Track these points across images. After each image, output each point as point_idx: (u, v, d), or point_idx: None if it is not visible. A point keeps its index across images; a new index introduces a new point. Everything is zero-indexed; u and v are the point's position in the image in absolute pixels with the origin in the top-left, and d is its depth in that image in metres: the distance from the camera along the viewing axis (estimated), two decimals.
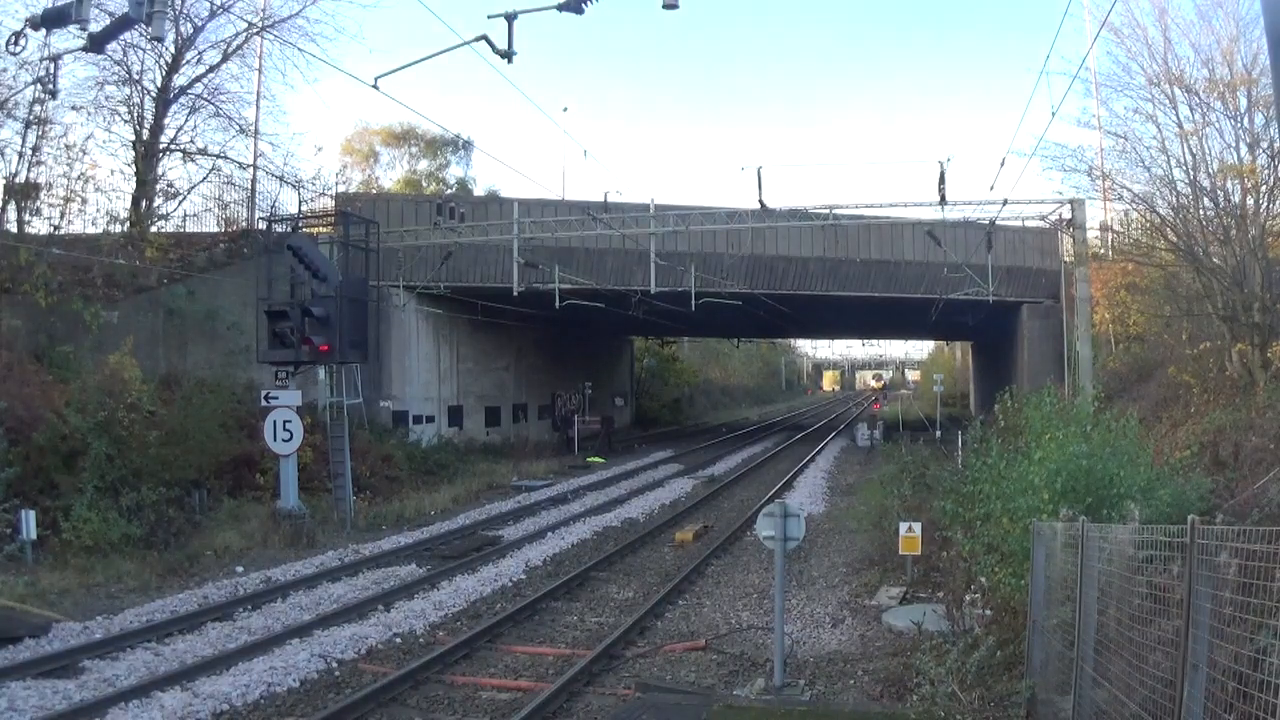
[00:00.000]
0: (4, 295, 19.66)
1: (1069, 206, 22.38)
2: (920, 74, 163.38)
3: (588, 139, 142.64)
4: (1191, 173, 18.89)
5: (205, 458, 17.83)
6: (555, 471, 27.96)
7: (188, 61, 26.27)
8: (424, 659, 9.78)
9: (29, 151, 21.62)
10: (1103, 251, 26.80)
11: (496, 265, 27.85)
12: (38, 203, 22.26)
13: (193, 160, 27.15)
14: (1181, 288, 20.22)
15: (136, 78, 25.28)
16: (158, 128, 25.86)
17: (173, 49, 25.41)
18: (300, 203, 28.54)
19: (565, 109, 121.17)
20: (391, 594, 12.70)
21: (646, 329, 45.44)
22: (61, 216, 22.60)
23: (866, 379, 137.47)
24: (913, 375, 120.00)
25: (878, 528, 15.98)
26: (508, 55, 11.91)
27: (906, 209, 29.29)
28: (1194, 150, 18.78)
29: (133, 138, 25.43)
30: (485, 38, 12.06)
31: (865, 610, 11.92)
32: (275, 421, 16.90)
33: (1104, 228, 27.20)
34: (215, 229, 27.04)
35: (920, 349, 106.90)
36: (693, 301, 28.08)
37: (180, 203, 26.85)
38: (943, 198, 21.23)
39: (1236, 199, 18.36)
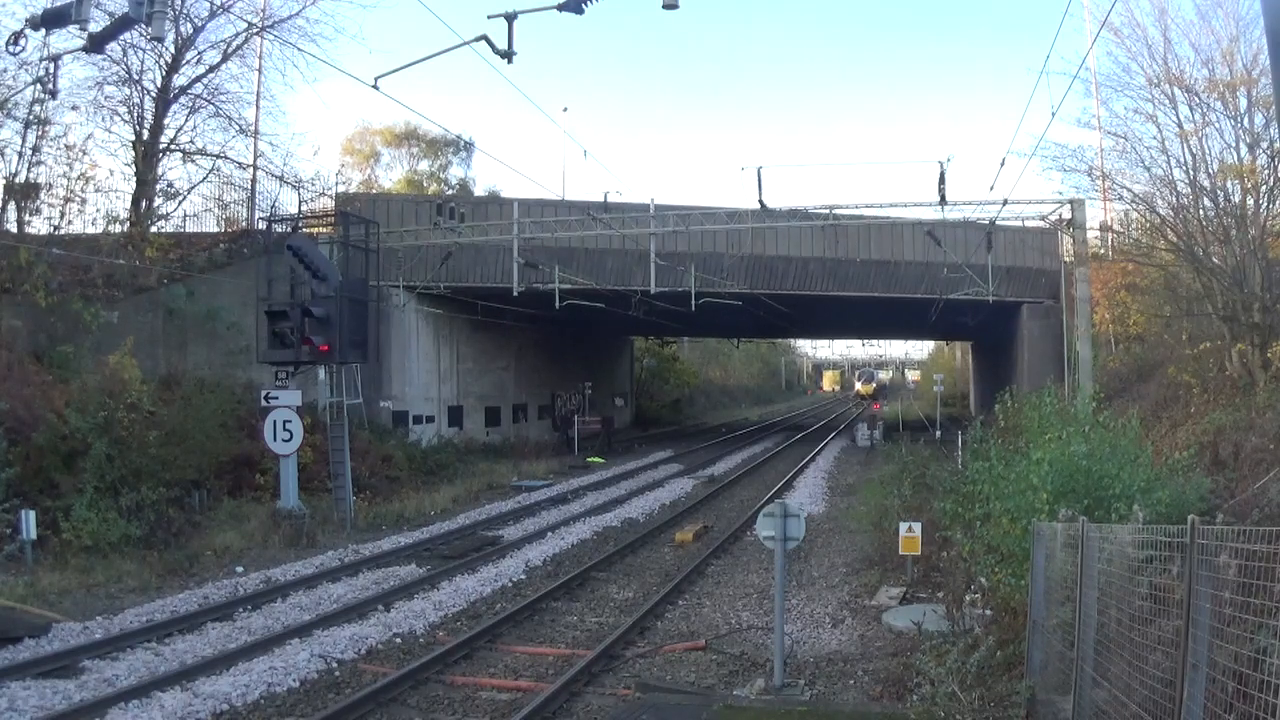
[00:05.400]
0: (4, 295, 19.66)
1: (1069, 206, 22.35)
2: (920, 74, 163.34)
3: (588, 139, 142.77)
4: (1191, 173, 18.90)
5: (205, 458, 17.83)
6: (555, 471, 27.96)
7: (188, 61, 26.32)
8: (424, 659, 9.77)
9: (29, 151, 21.65)
10: (1103, 251, 26.78)
11: (496, 265, 27.85)
12: (38, 203, 22.28)
13: (193, 160, 27.20)
14: (1181, 288, 20.22)
15: (136, 78, 25.32)
16: (158, 128, 25.87)
17: (173, 49, 25.44)
18: (300, 203, 28.58)
19: (565, 109, 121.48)
20: (391, 594, 12.70)
21: (646, 329, 45.43)
22: (61, 216, 22.64)
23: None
24: (913, 375, 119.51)
25: (878, 528, 16.00)
26: (508, 55, 11.93)
27: (906, 209, 29.27)
28: (1194, 150, 18.80)
29: (133, 138, 25.47)
30: (485, 38, 12.08)
31: (865, 610, 11.92)
32: (275, 421, 16.90)
33: (1104, 228, 27.21)
34: (215, 229, 27.06)
35: (920, 349, 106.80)
36: (693, 301, 28.08)
37: (180, 203, 26.92)
38: (943, 198, 21.23)
39: (1236, 199, 18.37)
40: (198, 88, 26.65)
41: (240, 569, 14.35)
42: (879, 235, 29.29)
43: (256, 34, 26.38)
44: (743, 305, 30.81)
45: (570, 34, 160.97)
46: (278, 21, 26.97)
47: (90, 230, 23.33)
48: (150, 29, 10.25)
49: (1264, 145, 17.69)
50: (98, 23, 10.94)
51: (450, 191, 46.95)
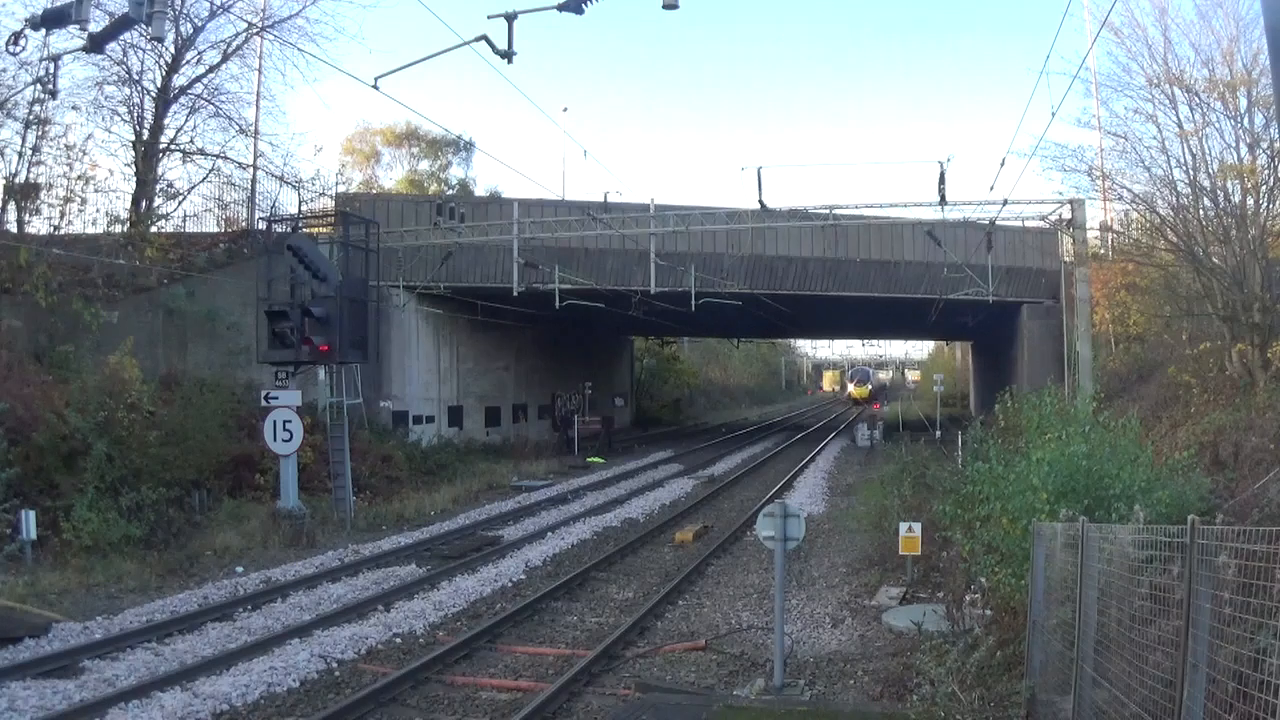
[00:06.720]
0: (4, 295, 19.66)
1: (1069, 207, 22.36)
2: (920, 74, 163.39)
3: (588, 139, 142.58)
4: (1191, 173, 18.91)
5: (205, 458, 17.83)
6: (555, 472, 27.95)
7: (188, 61, 26.34)
8: (424, 659, 9.78)
9: (29, 151, 21.67)
10: (1103, 251, 26.81)
11: (496, 265, 27.85)
12: (38, 203, 22.29)
13: (192, 160, 27.22)
14: (1181, 288, 20.23)
15: (136, 78, 25.33)
16: (158, 128, 25.88)
17: (173, 49, 25.46)
18: (300, 203, 28.62)
19: (565, 109, 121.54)
20: (391, 594, 12.70)
21: (646, 329, 45.43)
22: (61, 216, 22.65)
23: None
24: (913, 375, 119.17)
25: (878, 528, 16.00)
26: (508, 55, 11.93)
27: (906, 209, 29.25)
28: (1194, 150, 18.81)
29: (133, 138, 25.48)
30: (485, 38, 12.08)
31: (865, 610, 11.92)
32: (275, 421, 16.90)
33: (1104, 228, 27.24)
34: (215, 229, 27.10)
35: (920, 349, 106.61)
36: (693, 301, 28.08)
37: (180, 203, 26.95)
38: (943, 198, 21.22)
39: (1236, 199, 18.38)
40: (198, 88, 26.72)
41: (240, 569, 14.35)
42: (879, 235, 29.28)
43: (256, 34, 26.43)
44: (743, 305, 30.81)
45: (570, 34, 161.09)
46: (278, 21, 27.04)
47: (90, 230, 23.35)
48: (150, 29, 10.25)
49: (1264, 145, 17.70)
50: (98, 23, 10.96)
51: (450, 191, 46.90)
